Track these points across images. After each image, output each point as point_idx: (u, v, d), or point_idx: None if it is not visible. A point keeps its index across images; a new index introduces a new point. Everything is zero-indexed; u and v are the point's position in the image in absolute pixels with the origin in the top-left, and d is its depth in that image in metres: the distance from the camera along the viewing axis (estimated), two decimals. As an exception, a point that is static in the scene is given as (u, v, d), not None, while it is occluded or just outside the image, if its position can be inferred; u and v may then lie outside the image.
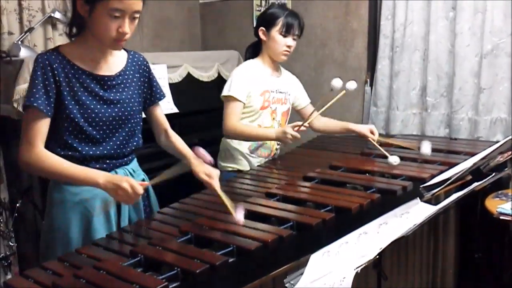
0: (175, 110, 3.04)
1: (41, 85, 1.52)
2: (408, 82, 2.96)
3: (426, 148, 2.09)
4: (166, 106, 3.01)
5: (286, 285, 1.04)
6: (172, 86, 3.10)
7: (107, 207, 1.60)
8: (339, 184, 1.84)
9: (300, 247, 1.41)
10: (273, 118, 2.34)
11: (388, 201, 1.70)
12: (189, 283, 1.15)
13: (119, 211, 1.68)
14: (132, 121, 1.69)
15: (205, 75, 3.34)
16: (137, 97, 1.71)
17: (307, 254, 1.39)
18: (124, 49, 1.72)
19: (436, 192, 1.47)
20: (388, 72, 3.04)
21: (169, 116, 2.92)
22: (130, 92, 1.68)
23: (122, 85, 1.66)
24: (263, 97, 2.28)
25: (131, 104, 1.67)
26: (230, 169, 2.32)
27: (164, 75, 3.06)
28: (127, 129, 1.68)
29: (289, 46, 2.27)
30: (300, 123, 2.13)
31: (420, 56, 2.92)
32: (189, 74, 3.23)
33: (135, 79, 1.71)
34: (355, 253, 0.88)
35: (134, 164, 1.77)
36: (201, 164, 1.66)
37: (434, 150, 2.26)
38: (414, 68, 2.94)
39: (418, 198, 0.91)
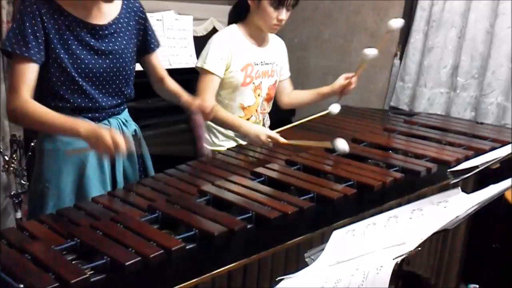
0: (197, 64, 2.97)
1: (29, 31, 1.44)
2: (440, 59, 2.87)
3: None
4: (188, 60, 2.95)
5: (307, 259, 1.01)
6: (196, 39, 3.03)
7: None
8: (361, 159, 1.80)
9: (318, 220, 1.39)
10: (258, 95, 2.09)
11: (411, 182, 1.67)
12: (206, 245, 1.13)
13: (113, 163, 1.64)
14: (125, 72, 1.62)
15: (231, 31, 3.24)
16: (132, 47, 1.64)
17: (324, 227, 1.39)
18: None
19: (464, 178, 1.42)
20: (420, 46, 2.94)
21: (189, 70, 2.91)
22: (124, 42, 1.61)
23: (116, 35, 1.58)
24: (245, 72, 2.02)
25: (124, 55, 1.60)
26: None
27: (189, 27, 2.99)
28: (119, 80, 1.62)
29: (280, 20, 1.97)
30: (277, 136, 1.87)
31: (456, 33, 2.81)
32: (214, 29, 3.15)
33: (129, 27, 1.63)
34: (386, 238, 0.84)
35: (126, 114, 1.73)
36: (191, 98, 1.67)
37: (459, 132, 2.20)
38: (448, 45, 2.84)
39: (459, 187, 0.87)
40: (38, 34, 1.45)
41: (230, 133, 2.10)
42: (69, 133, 1.42)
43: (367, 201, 1.51)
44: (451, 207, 0.81)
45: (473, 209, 0.77)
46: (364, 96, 3.35)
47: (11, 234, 1.14)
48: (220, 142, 2.12)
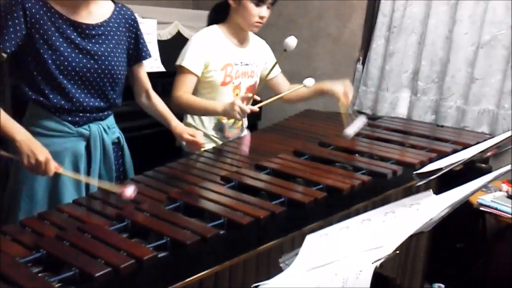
0: (161, 68, 2.93)
1: (9, 23, 1.41)
2: (401, 64, 2.93)
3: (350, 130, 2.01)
4: (153, 64, 2.90)
5: (281, 265, 1.01)
6: (160, 43, 2.99)
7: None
8: (329, 163, 1.81)
9: (289, 224, 1.39)
10: (236, 94, 2.11)
11: (377, 185, 1.69)
12: (178, 254, 1.11)
13: (89, 167, 1.61)
14: (110, 75, 1.60)
15: (196, 35, 3.22)
16: (121, 53, 1.62)
17: (295, 231, 1.39)
18: (112, 1, 1.63)
19: (429, 180, 1.45)
20: (382, 52, 3.00)
21: (154, 75, 2.87)
22: (111, 46, 1.59)
23: (103, 37, 1.57)
24: (225, 72, 2.05)
25: (110, 59, 1.58)
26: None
27: (153, 30, 2.94)
28: (104, 83, 1.60)
29: (262, 17, 2.00)
30: (250, 95, 1.91)
31: (416, 39, 2.88)
32: (179, 33, 3.12)
33: (118, 33, 1.61)
34: (360, 242, 0.84)
35: (110, 120, 1.70)
36: (181, 125, 1.70)
37: (420, 135, 2.26)
38: (409, 50, 2.91)
39: (431, 189, 0.88)
40: (18, 28, 1.42)
41: (209, 131, 2.11)
42: (6, 136, 1.38)
43: (336, 204, 1.52)
44: (424, 209, 0.82)
45: (446, 211, 0.79)
46: (328, 100, 3.37)
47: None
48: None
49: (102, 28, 1.56)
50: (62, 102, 1.53)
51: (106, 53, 1.57)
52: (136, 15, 2.85)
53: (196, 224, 1.20)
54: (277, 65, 2.29)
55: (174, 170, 1.65)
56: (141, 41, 1.71)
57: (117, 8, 1.63)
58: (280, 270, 1.00)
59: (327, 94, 2.26)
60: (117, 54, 1.60)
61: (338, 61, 3.32)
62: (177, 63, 2.02)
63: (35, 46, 1.46)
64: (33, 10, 1.44)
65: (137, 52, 1.70)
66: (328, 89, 2.22)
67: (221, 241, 1.20)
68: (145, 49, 1.73)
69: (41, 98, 1.51)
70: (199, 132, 1.69)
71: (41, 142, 1.48)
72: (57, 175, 1.52)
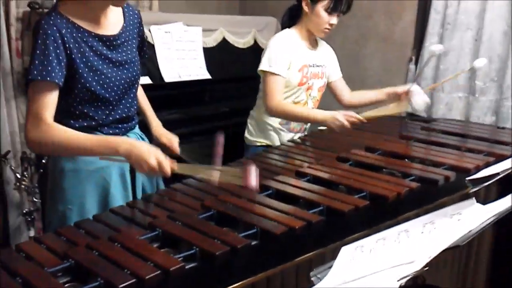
0: (207, 76, 2.94)
1: (53, 55, 1.37)
2: (457, 63, 2.77)
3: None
4: (198, 71, 2.91)
5: (312, 278, 0.94)
6: (205, 50, 3.00)
7: None
8: (375, 169, 1.72)
9: (328, 234, 1.31)
10: (309, 95, 2.20)
11: (428, 192, 1.58)
12: (208, 265, 1.07)
13: (134, 180, 1.61)
14: (136, 81, 1.61)
15: (241, 42, 3.21)
16: (137, 55, 1.62)
17: (335, 242, 1.31)
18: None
19: (483, 186, 1.34)
20: (436, 50, 2.84)
21: (200, 82, 2.88)
22: (134, 50, 1.59)
23: (126, 44, 1.56)
24: (302, 73, 2.13)
25: (136, 64, 1.59)
26: (258, 143, 2.21)
27: (198, 38, 2.96)
28: (134, 90, 1.61)
29: (332, 25, 2.09)
30: (355, 114, 1.94)
31: (472, 35, 2.71)
32: (224, 39, 3.12)
33: (135, 35, 1.60)
34: (395, 255, 0.77)
35: (138, 128, 1.70)
36: (161, 127, 1.70)
37: (479, 138, 2.11)
38: (464, 48, 2.74)
39: (474, 198, 0.79)
40: (61, 57, 1.38)
41: (276, 124, 2.18)
42: (108, 152, 1.35)
43: (382, 213, 1.43)
44: (465, 220, 0.73)
45: (488, 221, 0.70)
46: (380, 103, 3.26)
47: (6, 255, 1.10)
48: (262, 134, 2.22)
49: (123, 35, 1.55)
50: (104, 116, 1.53)
51: (133, 59, 1.57)
52: (180, 23, 2.92)
53: (227, 234, 1.16)
54: (338, 69, 2.36)
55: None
56: (144, 41, 1.71)
57: (126, 11, 1.59)
58: (312, 284, 0.94)
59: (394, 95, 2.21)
60: (137, 58, 1.61)
61: (389, 62, 3.19)
62: (263, 68, 2.07)
63: (77, 70, 1.43)
64: (70, 37, 1.41)
65: (141, 51, 1.69)
66: (393, 90, 2.21)
67: (253, 252, 1.15)
68: (145, 48, 1.72)
69: (84, 122, 1.50)
70: (175, 139, 1.68)
71: (86, 159, 1.49)
72: (106, 187, 1.53)
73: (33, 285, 0.94)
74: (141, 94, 1.76)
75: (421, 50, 2.95)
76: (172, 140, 1.69)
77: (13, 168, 2.53)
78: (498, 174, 1.30)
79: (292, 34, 2.15)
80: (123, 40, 1.55)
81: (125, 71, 1.54)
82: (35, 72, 1.36)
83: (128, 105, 1.59)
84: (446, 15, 2.77)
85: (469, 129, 2.30)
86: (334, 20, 2.08)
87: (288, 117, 2.12)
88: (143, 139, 1.67)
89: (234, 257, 1.09)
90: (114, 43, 1.52)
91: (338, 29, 3.41)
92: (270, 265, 1.16)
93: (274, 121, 2.19)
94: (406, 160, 1.83)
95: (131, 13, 1.61)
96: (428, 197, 1.59)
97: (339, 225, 1.32)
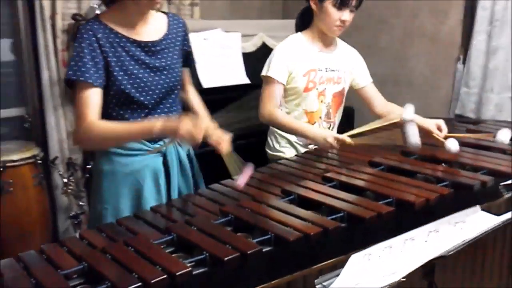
0: (246, 81, 2.95)
1: (88, 57, 1.46)
2: (507, 61, 2.62)
3: (504, 135, 1.80)
4: (237, 76, 2.93)
5: (317, 286, 0.91)
6: (245, 55, 3.01)
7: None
8: (408, 174, 1.65)
9: (347, 241, 1.28)
10: (321, 101, 2.07)
11: (462, 198, 1.50)
12: (218, 270, 1.07)
13: (169, 183, 1.64)
14: (175, 87, 1.64)
15: (281, 45, 3.18)
16: (179, 62, 1.65)
17: (356, 250, 1.26)
18: (163, 12, 1.65)
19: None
20: (484, 48, 2.71)
21: (240, 87, 2.89)
22: (175, 57, 1.62)
23: (166, 50, 1.60)
24: (307, 78, 2.02)
25: (176, 70, 1.62)
26: (276, 158, 2.09)
27: (237, 43, 2.97)
28: (173, 95, 1.64)
29: (343, 21, 1.95)
30: (346, 138, 1.81)
31: (524, 32, 2.55)
32: (264, 44, 3.11)
33: (177, 43, 1.64)
34: (401, 262, 0.73)
35: None
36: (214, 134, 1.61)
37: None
38: (515, 45, 2.58)
39: (478, 205, 0.74)
40: (97, 60, 1.47)
41: (292, 138, 2.10)
42: (146, 134, 1.44)
43: (408, 220, 1.37)
44: (467, 228, 0.68)
45: (489, 229, 0.64)
46: (427, 105, 3.14)
47: (29, 256, 1.15)
48: (281, 148, 2.13)
49: (163, 41, 1.60)
50: (140, 119, 1.57)
51: (172, 66, 1.61)
52: (219, 29, 2.95)
53: (239, 239, 1.15)
54: (367, 75, 2.22)
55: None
56: (190, 49, 1.73)
57: (170, 19, 1.65)
58: (317, 293, 0.91)
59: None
60: (178, 65, 1.64)
61: (435, 62, 3.07)
62: (262, 73, 2.03)
63: (112, 74, 1.50)
64: (106, 41, 1.49)
65: (188, 59, 1.72)
66: (419, 122, 1.96)
67: (266, 259, 1.13)
68: (192, 56, 1.74)
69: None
70: (226, 137, 1.55)
71: (122, 162, 1.57)
72: (139, 190, 1.58)
73: (44, 286, 0.97)
74: (193, 95, 1.79)
75: (468, 49, 2.81)
76: (221, 139, 1.56)
77: (61, 173, 2.65)
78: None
79: (298, 38, 2.06)
80: (163, 46, 1.59)
81: (162, 77, 1.58)
82: (70, 72, 1.47)
83: (166, 110, 1.63)
84: (493, 11, 2.62)
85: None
86: (345, 15, 1.94)
87: (279, 126, 2.03)
88: (179, 144, 1.67)
89: (244, 263, 1.08)
90: (153, 49, 1.57)
91: (383, 29, 3.34)
92: (282, 272, 1.15)
93: (291, 135, 2.09)
94: (443, 164, 1.75)
95: (175, 22, 1.66)
96: (462, 204, 1.50)
97: (360, 233, 1.28)
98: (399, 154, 1.86)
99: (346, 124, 3.35)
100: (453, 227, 0.70)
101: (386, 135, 1.79)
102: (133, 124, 1.48)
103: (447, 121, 2.21)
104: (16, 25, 2.79)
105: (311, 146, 2.07)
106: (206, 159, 1.91)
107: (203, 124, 1.37)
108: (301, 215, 1.28)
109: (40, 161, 2.52)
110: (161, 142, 1.62)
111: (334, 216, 1.29)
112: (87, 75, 1.45)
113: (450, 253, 0.67)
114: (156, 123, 1.40)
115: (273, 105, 1.98)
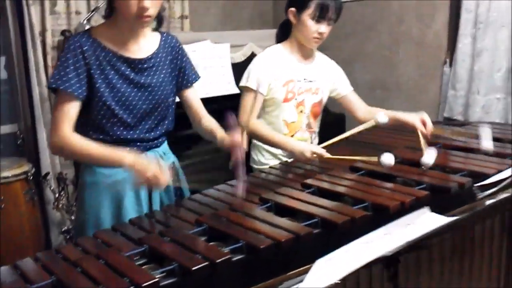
0: (236, 91, 2.96)
1: (72, 67, 1.49)
2: (492, 62, 2.63)
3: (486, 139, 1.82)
4: (227, 87, 2.95)
5: (281, 294, 0.92)
6: (234, 65, 3.03)
7: None
8: (389, 178, 1.65)
9: (319, 248, 1.28)
10: (301, 111, 2.08)
11: (440, 201, 1.50)
12: (187, 280, 1.08)
13: (150, 194, 1.65)
14: (163, 105, 1.64)
15: (270, 55, 3.21)
16: (170, 80, 1.66)
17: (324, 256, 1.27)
18: (158, 31, 1.67)
19: (490, 193, 1.25)
20: (469, 51, 2.73)
21: (229, 97, 2.91)
22: (162, 76, 1.63)
23: (154, 68, 1.61)
24: (287, 88, 2.03)
25: (162, 88, 1.62)
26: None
27: (226, 54, 3.00)
28: (158, 113, 1.64)
29: (321, 33, 1.97)
30: (324, 153, 1.83)
31: (507, 33, 2.57)
32: (253, 54, 3.13)
33: (167, 62, 1.65)
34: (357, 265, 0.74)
35: (164, 147, 1.74)
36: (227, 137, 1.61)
37: (512, 142, 1.97)
38: (500, 46, 2.60)
39: (427, 207, 0.74)
40: (80, 71, 1.50)
41: (276, 151, 2.10)
42: (115, 164, 1.46)
43: (384, 224, 1.37)
44: (416, 229, 0.69)
45: (434, 231, 0.65)
46: (416, 109, 3.13)
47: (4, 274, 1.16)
48: (266, 161, 2.12)
49: (152, 60, 1.61)
50: (122, 135, 1.59)
51: (158, 84, 1.62)
52: (208, 41, 2.98)
53: (210, 248, 1.16)
54: (347, 84, 2.24)
55: (220, 192, 1.63)
56: (187, 66, 1.73)
57: (163, 38, 1.67)
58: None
59: (401, 123, 2.08)
60: (167, 83, 1.65)
61: (423, 66, 3.08)
62: (241, 84, 2.03)
63: (95, 86, 1.52)
64: (92, 54, 1.52)
65: (184, 78, 1.72)
66: (403, 120, 2.05)
67: (238, 267, 1.14)
68: (192, 73, 1.74)
69: (101, 136, 1.58)
70: (239, 141, 1.56)
71: (104, 173, 1.59)
72: (120, 200, 1.60)
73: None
74: (209, 121, 1.75)
75: (454, 52, 2.82)
76: (235, 141, 1.55)
77: (52, 188, 2.67)
78: (506, 179, 1.21)
79: (277, 49, 2.08)
80: (151, 64, 1.61)
81: (146, 94, 1.60)
82: (52, 80, 1.50)
83: (148, 127, 1.63)
84: (478, 14, 2.64)
85: (505, 133, 2.16)
86: (323, 28, 1.96)
87: (258, 138, 2.03)
88: (161, 157, 1.68)
89: (214, 271, 1.09)
90: (139, 66, 1.59)
91: (370, 36, 3.36)
92: (256, 280, 1.16)
93: (275, 148, 2.07)
94: (423, 168, 1.75)
95: (168, 40, 1.68)
96: (439, 207, 1.51)
97: (333, 238, 1.29)
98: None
99: (336, 131, 3.38)
100: (404, 229, 0.71)
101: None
102: (106, 150, 1.48)
103: (434, 124, 2.21)
104: (8, 43, 2.83)
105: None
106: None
107: (166, 171, 1.40)
108: (274, 223, 1.29)
109: (32, 177, 2.54)
110: (143, 155, 1.63)
111: (308, 222, 1.29)
112: (68, 84, 1.48)
113: (391, 253, 0.68)
114: (126, 157, 1.42)
115: (252, 115, 1.97)
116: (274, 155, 2.11)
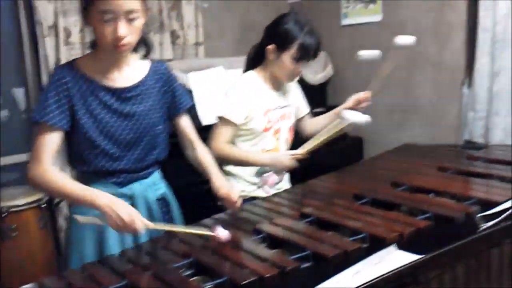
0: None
1: (54, 99, 1.46)
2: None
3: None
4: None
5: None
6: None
7: None
8: (394, 206, 1.58)
9: (315, 281, 1.21)
10: (277, 139, 2.06)
11: (444, 231, 1.41)
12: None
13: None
14: (151, 134, 1.60)
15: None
16: (158, 108, 1.62)
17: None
18: (150, 59, 1.65)
19: (494, 223, 1.16)
20: (488, 71, 2.61)
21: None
22: (150, 104, 1.60)
23: (140, 97, 1.58)
24: (267, 118, 2.00)
25: (148, 117, 1.59)
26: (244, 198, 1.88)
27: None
28: (144, 143, 1.60)
29: (298, 72, 1.98)
30: (298, 151, 1.86)
31: (527, 51, 2.46)
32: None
33: (155, 89, 1.62)
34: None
35: (155, 176, 1.69)
36: (221, 179, 1.61)
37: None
38: (519, 65, 2.49)
39: (394, 244, 0.68)
40: (62, 102, 1.48)
41: (254, 180, 2.04)
42: (87, 204, 1.40)
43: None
44: (386, 266, 0.63)
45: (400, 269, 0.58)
46: (437, 132, 3.05)
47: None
48: (245, 188, 2.04)
49: (137, 88, 1.58)
50: (106, 166, 1.56)
51: (143, 113, 1.58)
52: (220, 67, 2.97)
53: (191, 285, 1.11)
54: (305, 104, 2.23)
55: (215, 220, 1.59)
56: (178, 92, 1.69)
57: (153, 66, 1.64)
58: None
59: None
60: (155, 112, 1.61)
61: (441, 87, 2.99)
62: (218, 114, 1.98)
63: (76, 117, 1.50)
64: (74, 85, 1.49)
65: (174, 105, 1.68)
66: (340, 108, 2.06)
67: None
68: (182, 99, 1.70)
69: (86, 167, 1.56)
70: (235, 191, 1.59)
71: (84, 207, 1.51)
72: (102, 232, 1.56)
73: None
74: (203, 154, 1.72)
75: (472, 72, 2.72)
76: (230, 191, 1.58)
77: (65, 216, 2.69)
78: (508, 209, 1.13)
79: (254, 78, 2.03)
80: (136, 93, 1.58)
81: (131, 123, 1.56)
82: (35, 113, 1.48)
83: (135, 157, 1.60)
84: (495, 32, 2.55)
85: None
86: (300, 67, 1.96)
87: (232, 161, 1.98)
88: (149, 189, 1.65)
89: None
90: (123, 95, 1.56)
91: (386, 57, 3.28)
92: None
93: (249, 175, 2.03)
94: (431, 195, 1.66)
95: (157, 69, 1.65)
96: (443, 237, 1.42)
97: (323, 273, 1.22)
98: (389, 186, 1.79)
99: (355, 155, 3.29)
100: (374, 267, 0.65)
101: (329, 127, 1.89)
102: (80, 189, 1.42)
103: (454, 147, 2.12)
104: (24, 75, 2.90)
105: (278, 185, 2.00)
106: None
107: (138, 216, 1.34)
108: (262, 255, 1.23)
109: (45, 205, 2.56)
110: (129, 186, 1.61)
111: (298, 255, 1.23)
112: (50, 116, 1.45)
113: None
114: (98, 199, 1.37)
115: (224, 141, 1.95)
116: (248, 182, 2.04)
